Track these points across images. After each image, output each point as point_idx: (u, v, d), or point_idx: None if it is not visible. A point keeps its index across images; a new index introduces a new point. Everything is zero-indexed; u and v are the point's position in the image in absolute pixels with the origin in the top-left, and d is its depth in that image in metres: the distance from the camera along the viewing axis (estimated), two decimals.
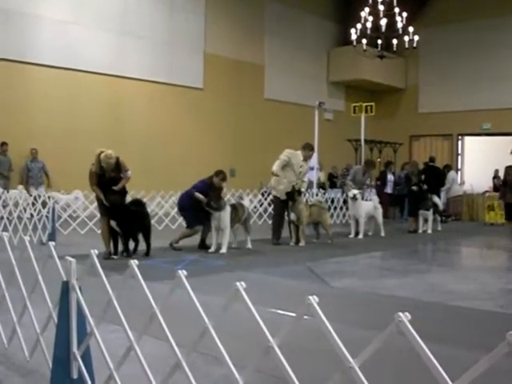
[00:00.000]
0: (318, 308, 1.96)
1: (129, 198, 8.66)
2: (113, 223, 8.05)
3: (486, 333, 4.51)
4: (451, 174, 16.93)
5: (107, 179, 8.07)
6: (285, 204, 10.14)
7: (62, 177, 14.38)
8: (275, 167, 9.98)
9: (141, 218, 8.41)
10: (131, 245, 8.38)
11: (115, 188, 8.04)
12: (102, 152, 8.00)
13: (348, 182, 12.66)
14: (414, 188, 12.74)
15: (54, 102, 15.12)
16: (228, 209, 8.96)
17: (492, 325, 4.86)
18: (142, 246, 8.46)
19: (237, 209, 9.23)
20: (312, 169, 16.01)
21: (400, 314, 1.77)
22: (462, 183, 19.08)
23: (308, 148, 10.21)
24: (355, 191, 11.55)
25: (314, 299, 1.97)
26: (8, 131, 13.95)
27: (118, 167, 8.13)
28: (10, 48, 14.28)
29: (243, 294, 2.17)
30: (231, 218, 8.97)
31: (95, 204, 12.14)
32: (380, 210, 11.99)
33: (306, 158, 10.17)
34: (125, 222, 8.08)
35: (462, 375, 1.65)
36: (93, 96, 15.79)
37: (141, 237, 8.47)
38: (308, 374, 3.08)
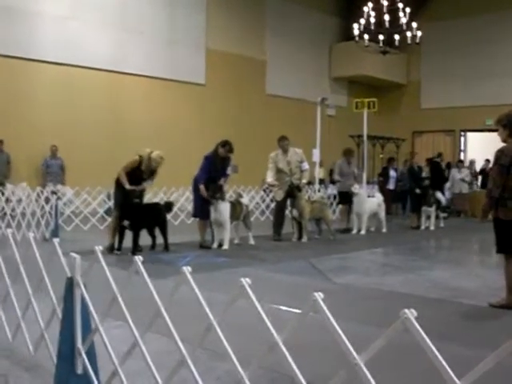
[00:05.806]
0: (323, 305, 1.96)
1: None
2: (126, 223, 8.00)
3: (491, 330, 4.51)
4: (452, 171, 17.00)
5: (139, 178, 8.15)
6: (284, 202, 10.22)
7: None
8: (268, 178, 10.09)
9: (155, 212, 8.42)
10: (146, 241, 8.38)
11: (137, 188, 8.13)
12: (152, 151, 8.20)
13: (336, 177, 12.32)
14: (418, 191, 12.64)
15: (55, 98, 15.07)
16: (227, 202, 8.94)
17: (496, 322, 4.86)
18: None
19: (235, 206, 9.19)
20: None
21: (406, 310, 1.76)
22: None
23: (281, 140, 10.15)
24: (357, 186, 11.53)
25: (319, 296, 1.97)
26: (7, 128, 13.91)
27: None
28: (12, 44, 14.23)
29: (248, 290, 2.16)
30: (229, 214, 8.92)
31: (98, 200, 12.25)
32: (383, 207, 11.97)
33: (284, 148, 10.06)
34: (139, 219, 8.04)
35: (468, 373, 1.64)
36: (93, 92, 15.76)
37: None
38: (313, 371, 3.08)
